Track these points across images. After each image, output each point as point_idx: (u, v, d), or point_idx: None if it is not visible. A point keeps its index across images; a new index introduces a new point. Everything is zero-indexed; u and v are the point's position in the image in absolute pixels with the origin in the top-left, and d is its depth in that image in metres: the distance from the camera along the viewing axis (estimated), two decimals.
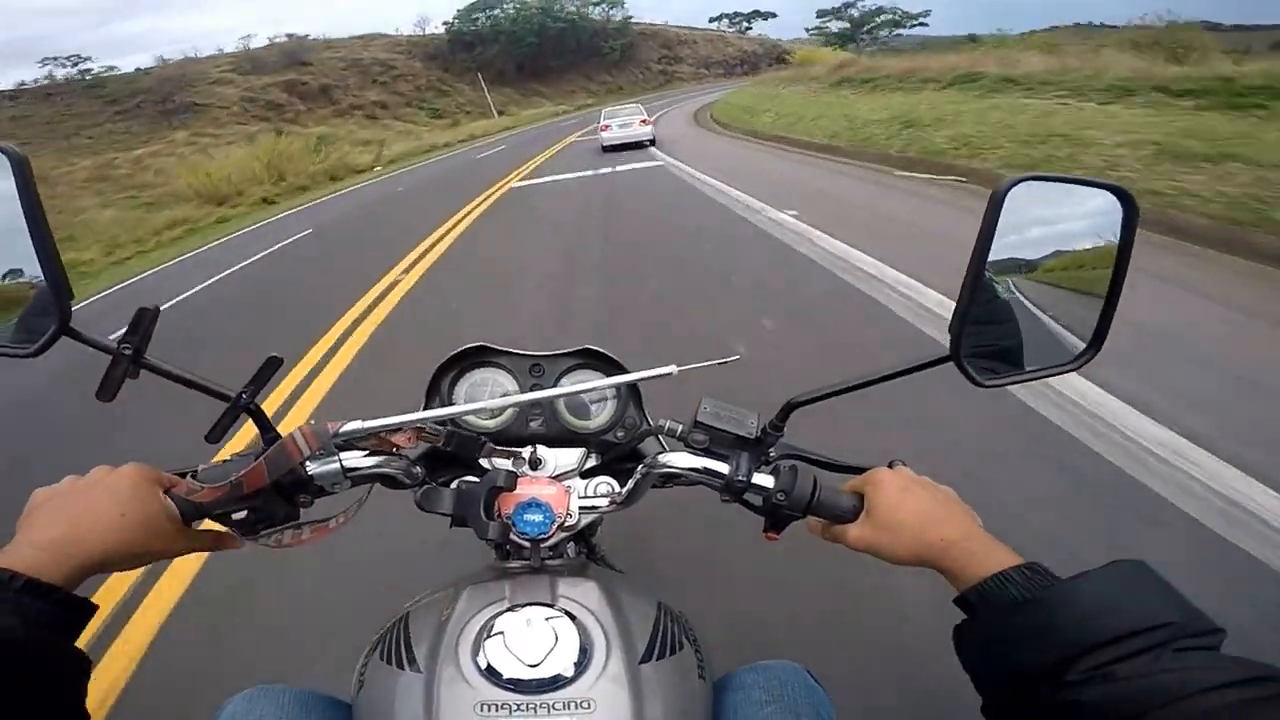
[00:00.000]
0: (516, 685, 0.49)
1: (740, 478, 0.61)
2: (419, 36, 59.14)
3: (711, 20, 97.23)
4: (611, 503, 0.67)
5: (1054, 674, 0.38)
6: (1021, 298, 0.60)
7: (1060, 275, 0.61)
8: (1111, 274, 0.57)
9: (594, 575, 0.64)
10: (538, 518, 0.63)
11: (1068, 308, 0.61)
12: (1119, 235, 0.56)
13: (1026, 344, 0.60)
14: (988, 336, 0.58)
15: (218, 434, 0.58)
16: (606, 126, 14.22)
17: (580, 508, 0.66)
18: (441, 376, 0.79)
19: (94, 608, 0.45)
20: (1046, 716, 0.39)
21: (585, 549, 0.78)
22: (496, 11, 60.97)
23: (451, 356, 0.78)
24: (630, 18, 71.23)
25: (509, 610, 0.55)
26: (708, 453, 0.63)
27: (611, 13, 69.10)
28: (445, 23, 62.27)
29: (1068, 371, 0.60)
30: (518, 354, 0.79)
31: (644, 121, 14.04)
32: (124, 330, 0.52)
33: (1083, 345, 0.59)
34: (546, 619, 0.54)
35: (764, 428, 0.63)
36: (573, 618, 0.55)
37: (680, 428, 0.64)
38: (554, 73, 60.82)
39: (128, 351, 0.52)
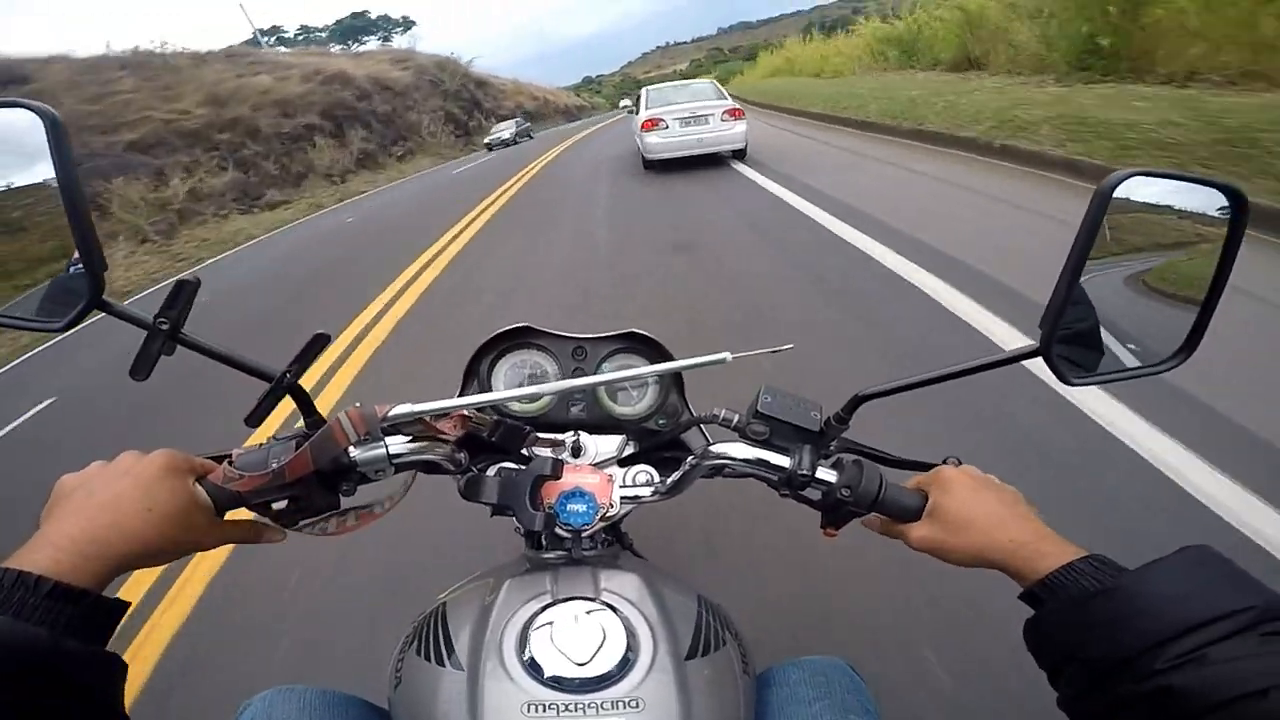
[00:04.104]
0: (562, 684, 0.48)
1: (803, 471, 0.57)
2: None
3: (277, 42, 47.99)
4: (655, 493, 0.64)
5: (1141, 660, 0.38)
6: (1114, 293, 0.58)
7: (1157, 272, 0.59)
8: (1213, 275, 0.55)
9: (632, 567, 0.62)
10: (581, 508, 0.61)
11: (1162, 306, 0.59)
12: (1225, 235, 0.55)
13: (1116, 341, 0.59)
14: (1077, 332, 0.57)
15: (258, 417, 0.53)
16: (656, 122, 7.41)
17: (622, 498, 0.63)
18: (481, 358, 0.75)
19: (125, 606, 0.42)
20: (1132, 703, 0.39)
21: (614, 536, 0.75)
22: None
23: (493, 337, 0.75)
24: None
25: (552, 605, 0.53)
26: (766, 444, 0.59)
27: None
28: None
29: (1159, 373, 0.59)
30: (561, 336, 0.77)
31: (731, 112, 7.33)
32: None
33: (1175, 346, 0.58)
34: (590, 613, 0.52)
35: (828, 420, 0.60)
36: (616, 612, 0.53)
37: (736, 417, 0.61)
38: None
39: (164, 326, 0.47)
